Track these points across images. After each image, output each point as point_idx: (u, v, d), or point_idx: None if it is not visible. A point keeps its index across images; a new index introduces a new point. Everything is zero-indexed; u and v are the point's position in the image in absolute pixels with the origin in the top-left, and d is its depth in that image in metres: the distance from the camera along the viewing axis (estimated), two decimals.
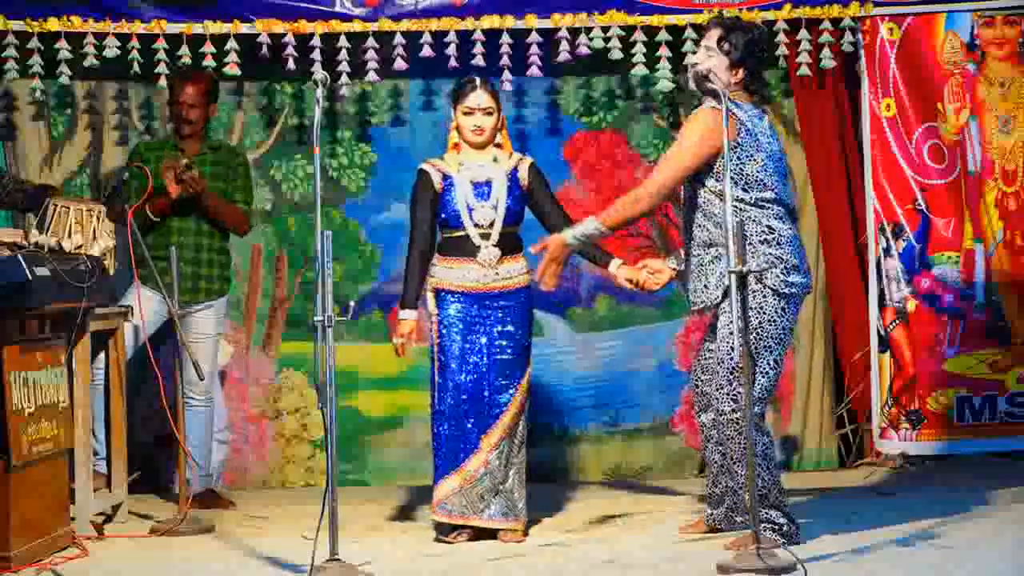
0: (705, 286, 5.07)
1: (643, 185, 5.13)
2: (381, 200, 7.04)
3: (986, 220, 6.74)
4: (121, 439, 5.91)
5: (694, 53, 5.22)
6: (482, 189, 5.43)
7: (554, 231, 5.26)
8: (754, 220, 4.99)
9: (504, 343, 5.43)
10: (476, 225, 5.41)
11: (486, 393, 5.39)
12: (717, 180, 4.99)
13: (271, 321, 7.01)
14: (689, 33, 6.55)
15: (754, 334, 4.92)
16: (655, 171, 5.14)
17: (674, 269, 5.36)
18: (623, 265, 5.43)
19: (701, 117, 5.04)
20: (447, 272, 5.43)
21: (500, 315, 5.43)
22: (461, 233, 5.42)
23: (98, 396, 5.94)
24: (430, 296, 5.45)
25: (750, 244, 4.94)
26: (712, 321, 5.17)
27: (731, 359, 4.96)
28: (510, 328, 5.43)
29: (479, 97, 5.41)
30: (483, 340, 5.40)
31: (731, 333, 4.93)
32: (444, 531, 5.43)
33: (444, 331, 5.41)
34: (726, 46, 5.09)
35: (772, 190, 5.04)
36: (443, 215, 5.43)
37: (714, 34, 5.14)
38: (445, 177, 5.46)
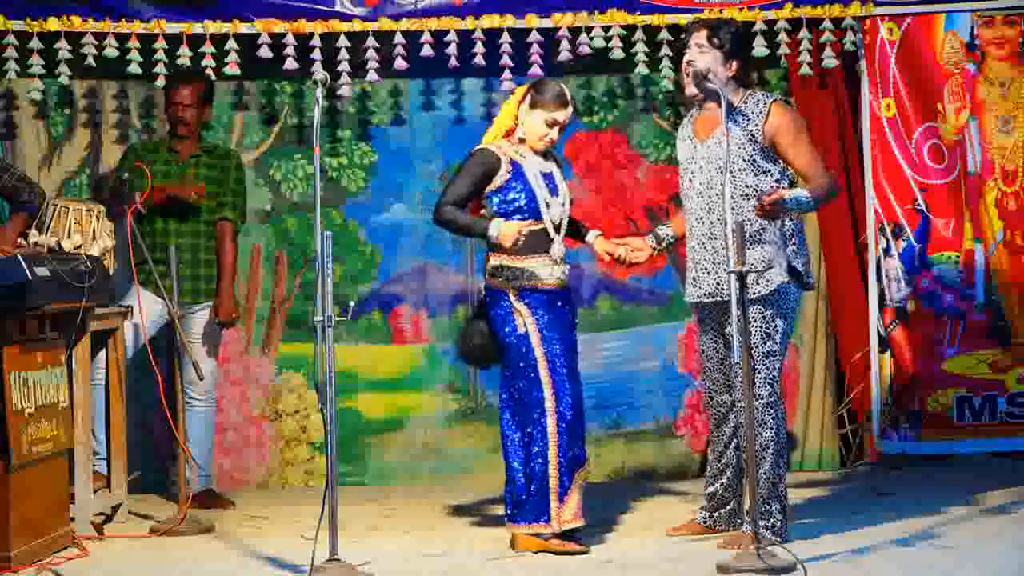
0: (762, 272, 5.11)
1: (822, 171, 5.18)
2: (381, 200, 7.03)
3: (986, 220, 6.73)
4: (121, 439, 5.91)
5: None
6: (549, 182, 5.25)
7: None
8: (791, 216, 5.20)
9: (575, 334, 5.32)
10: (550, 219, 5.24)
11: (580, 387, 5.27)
12: (781, 174, 5.20)
13: (270, 322, 6.99)
14: None
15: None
16: (814, 161, 5.16)
17: (654, 248, 5.42)
18: (600, 237, 5.40)
19: (793, 110, 5.32)
20: (528, 269, 5.17)
21: (570, 307, 5.29)
22: (539, 227, 5.21)
23: (98, 396, 5.94)
24: (512, 297, 5.15)
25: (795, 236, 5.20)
26: (713, 318, 5.23)
27: (763, 345, 5.09)
28: (573, 319, 5.32)
29: (567, 115, 5.24)
30: (569, 336, 5.24)
31: (759, 322, 5.11)
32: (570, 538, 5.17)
33: (544, 332, 5.13)
34: (717, 41, 5.19)
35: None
36: (514, 204, 5.19)
37: (702, 33, 5.23)
38: (513, 163, 5.24)
